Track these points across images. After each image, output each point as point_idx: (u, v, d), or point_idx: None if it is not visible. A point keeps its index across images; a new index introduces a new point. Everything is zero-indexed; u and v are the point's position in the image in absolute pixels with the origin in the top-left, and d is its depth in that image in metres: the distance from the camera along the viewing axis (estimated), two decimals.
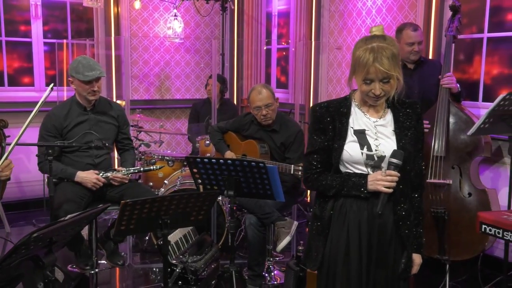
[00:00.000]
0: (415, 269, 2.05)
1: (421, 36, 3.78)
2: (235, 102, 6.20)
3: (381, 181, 1.87)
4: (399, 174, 1.88)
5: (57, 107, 3.28)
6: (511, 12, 3.73)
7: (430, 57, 4.09)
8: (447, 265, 3.57)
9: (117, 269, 3.80)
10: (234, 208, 3.05)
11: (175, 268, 3.15)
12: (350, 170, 1.98)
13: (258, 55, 6.07)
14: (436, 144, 3.55)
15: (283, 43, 5.98)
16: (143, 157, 4.62)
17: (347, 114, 1.98)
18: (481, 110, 3.84)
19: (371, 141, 1.95)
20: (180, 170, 4.39)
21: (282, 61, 5.98)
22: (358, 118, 1.99)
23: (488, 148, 3.58)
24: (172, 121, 6.20)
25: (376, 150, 1.93)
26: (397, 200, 1.96)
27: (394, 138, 1.97)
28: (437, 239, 3.57)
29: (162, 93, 6.09)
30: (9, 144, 2.49)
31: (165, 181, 4.36)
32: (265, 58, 6.07)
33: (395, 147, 1.94)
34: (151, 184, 4.57)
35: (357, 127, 1.97)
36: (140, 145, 4.74)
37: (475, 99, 3.96)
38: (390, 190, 1.86)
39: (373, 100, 1.92)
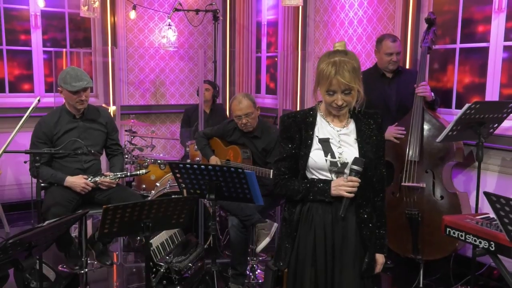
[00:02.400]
0: (378, 268, 2.08)
1: (400, 47, 3.80)
2: (227, 107, 6.22)
3: (343, 186, 1.92)
4: (359, 180, 1.92)
5: (47, 115, 3.30)
6: (481, 24, 3.75)
7: (407, 66, 4.11)
8: (421, 264, 3.61)
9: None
10: (217, 210, 3.07)
11: (159, 268, 3.18)
12: (316, 176, 2.03)
13: (249, 63, 6.10)
14: (410, 149, 3.57)
15: (274, 51, 6.00)
16: (136, 160, 4.65)
17: (313, 123, 2.03)
18: (454, 116, 3.85)
19: (334, 148, 1.99)
20: (171, 173, 4.40)
21: (271, 68, 6.00)
22: (323, 127, 2.03)
23: (459, 154, 3.60)
24: (167, 125, 6.23)
25: (339, 157, 1.97)
26: (360, 204, 2.00)
27: (356, 146, 2.01)
28: (411, 240, 3.59)
29: (157, 98, 6.12)
30: None
31: (157, 184, 4.38)
32: (255, 65, 6.10)
33: (357, 155, 1.98)
34: (144, 186, 4.60)
35: (321, 136, 2.02)
36: (133, 149, 4.77)
37: (449, 106, 3.98)
38: (352, 195, 1.91)
39: (336, 110, 1.97)
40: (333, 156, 1.97)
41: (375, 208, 2.06)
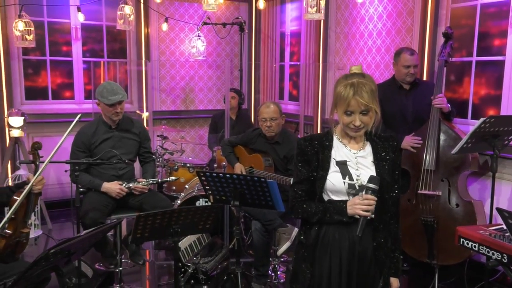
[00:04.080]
0: None
1: (417, 60, 3.76)
2: (252, 113, 6.25)
3: (359, 205, 1.82)
4: (375, 198, 1.82)
5: (85, 126, 3.38)
6: (497, 38, 3.67)
7: (425, 78, 4.05)
8: (436, 268, 3.56)
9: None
10: (241, 216, 3.08)
11: (187, 269, 3.22)
12: (333, 199, 1.94)
13: (273, 71, 6.11)
14: (427, 158, 3.52)
15: (297, 60, 6.00)
16: (167, 164, 4.72)
17: (330, 146, 1.96)
18: (470, 126, 3.79)
19: (352, 171, 1.91)
20: None
21: (294, 76, 5.99)
22: (339, 150, 1.96)
23: (475, 163, 3.54)
24: (196, 129, 6.29)
25: (357, 180, 1.90)
26: (376, 227, 1.92)
27: (373, 168, 1.93)
28: (426, 245, 3.54)
29: (187, 104, 6.18)
30: (43, 163, 2.61)
31: (186, 186, 4.41)
32: (279, 74, 6.10)
33: None
34: (174, 188, 4.66)
35: (339, 158, 1.94)
36: (164, 153, 4.84)
37: (465, 116, 3.91)
38: (368, 214, 1.81)
39: (353, 131, 1.89)
40: (351, 178, 1.90)
41: (390, 231, 1.98)
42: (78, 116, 2.53)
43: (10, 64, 5.05)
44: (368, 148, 1.98)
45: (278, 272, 3.75)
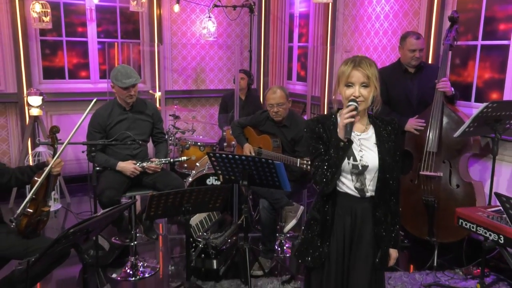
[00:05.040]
0: (391, 262, 2.06)
1: (423, 44, 3.70)
2: (261, 94, 6.23)
3: (343, 117, 1.82)
4: (353, 107, 1.82)
5: (101, 108, 3.40)
6: (503, 23, 3.60)
7: (430, 61, 4.00)
8: (436, 245, 3.60)
9: None
10: (250, 194, 3.10)
11: (198, 244, 3.28)
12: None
13: (282, 52, 6.05)
14: (430, 140, 3.52)
15: (305, 42, 5.93)
16: (178, 142, 4.75)
17: (334, 129, 1.96)
18: (473, 109, 3.76)
19: (356, 152, 1.94)
20: None
21: (302, 57, 5.94)
22: None
23: (476, 145, 3.53)
24: (206, 108, 6.30)
25: (360, 160, 1.93)
26: (377, 204, 1.97)
27: (375, 149, 1.96)
28: (427, 224, 3.58)
29: (198, 84, 6.18)
30: (62, 144, 2.65)
31: (197, 164, 4.45)
32: (287, 54, 6.05)
33: (377, 158, 1.94)
34: (186, 165, 4.70)
35: None
36: (176, 132, 4.87)
37: (468, 99, 3.88)
38: (352, 119, 1.81)
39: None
40: (354, 159, 1.93)
41: (390, 208, 2.02)
42: (94, 100, 2.56)
43: (28, 45, 5.07)
44: (371, 131, 2.00)
45: (284, 247, 3.82)
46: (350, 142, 1.85)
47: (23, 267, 2.17)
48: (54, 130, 2.58)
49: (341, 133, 1.84)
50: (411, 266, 3.62)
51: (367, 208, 1.96)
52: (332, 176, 1.88)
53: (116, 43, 5.58)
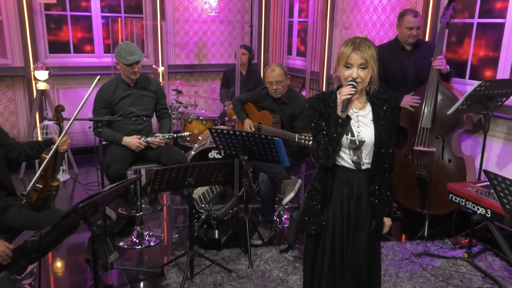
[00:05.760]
0: (385, 229, 2.12)
1: (420, 22, 3.66)
2: (261, 68, 6.19)
3: (341, 94, 1.88)
4: (351, 86, 1.88)
5: (106, 84, 3.39)
6: (500, 1, 3.54)
7: (427, 39, 3.96)
8: (427, 216, 3.66)
9: None
10: (250, 167, 3.12)
11: (201, 215, 3.34)
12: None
13: (282, 27, 5.97)
14: (424, 117, 3.53)
15: (305, 17, 5.85)
16: (181, 116, 4.77)
17: (334, 106, 1.99)
18: (468, 86, 3.76)
19: (354, 128, 1.98)
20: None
21: (302, 33, 5.87)
22: None
23: (469, 122, 3.54)
24: (208, 82, 6.28)
25: (358, 136, 1.98)
26: (372, 177, 2.02)
27: (372, 126, 2.00)
28: (419, 196, 3.63)
29: (200, 58, 6.13)
30: (68, 120, 2.66)
31: (199, 137, 4.46)
32: (287, 30, 5.97)
33: (373, 134, 1.99)
34: (188, 139, 4.73)
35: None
36: (179, 107, 4.87)
37: (463, 76, 3.86)
38: (349, 96, 1.86)
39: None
40: (352, 135, 1.97)
41: (384, 181, 2.07)
42: (97, 77, 2.56)
43: (34, 20, 5.01)
44: (368, 108, 2.04)
45: (283, 218, 3.89)
46: (348, 118, 1.91)
47: (35, 239, 2.22)
48: (59, 109, 2.59)
49: (339, 109, 1.89)
50: (403, 236, 3.69)
51: (363, 180, 2.02)
52: (333, 151, 1.94)
53: (119, 18, 5.51)
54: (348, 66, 1.90)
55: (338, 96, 1.94)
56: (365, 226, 2.06)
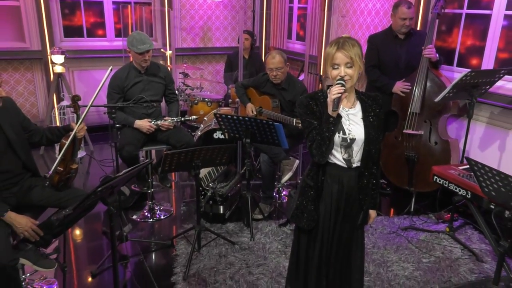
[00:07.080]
0: (370, 221, 2.13)
1: (413, 13, 3.65)
2: (263, 53, 6.16)
3: (331, 94, 1.85)
4: (340, 85, 1.85)
5: (119, 71, 3.41)
6: None
7: (418, 28, 3.94)
8: (413, 194, 3.75)
9: None
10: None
11: (207, 192, 3.42)
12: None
13: (282, 12, 5.91)
14: (413, 102, 3.56)
15: (305, 3, 5.78)
16: (188, 98, 4.79)
17: (324, 104, 1.95)
18: (455, 74, 3.77)
19: (345, 126, 1.95)
20: (216, 110, 4.52)
21: (301, 18, 5.82)
22: None
23: (455, 107, 3.58)
24: (213, 65, 6.26)
25: (349, 134, 1.94)
26: (362, 173, 2.00)
27: (362, 124, 1.96)
28: (407, 175, 3.70)
29: (205, 42, 6.10)
30: (85, 106, 2.70)
31: (205, 118, 4.49)
32: (287, 15, 5.92)
33: (363, 132, 1.95)
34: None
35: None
36: (186, 89, 4.89)
37: (451, 64, 3.86)
38: (339, 95, 1.83)
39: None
40: (344, 133, 1.93)
41: (372, 175, 2.04)
42: (110, 68, 2.60)
43: (49, 5, 4.97)
44: (358, 106, 1.99)
45: (282, 195, 3.97)
46: (339, 117, 1.88)
47: (58, 218, 2.31)
48: (76, 99, 2.63)
49: (330, 108, 1.85)
50: (391, 211, 3.78)
51: (353, 177, 1.99)
52: (326, 149, 1.91)
53: (129, 4, 5.45)
54: (335, 67, 1.86)
55: (329, 95, 1.88)
56: (352, 220, 2.05)
